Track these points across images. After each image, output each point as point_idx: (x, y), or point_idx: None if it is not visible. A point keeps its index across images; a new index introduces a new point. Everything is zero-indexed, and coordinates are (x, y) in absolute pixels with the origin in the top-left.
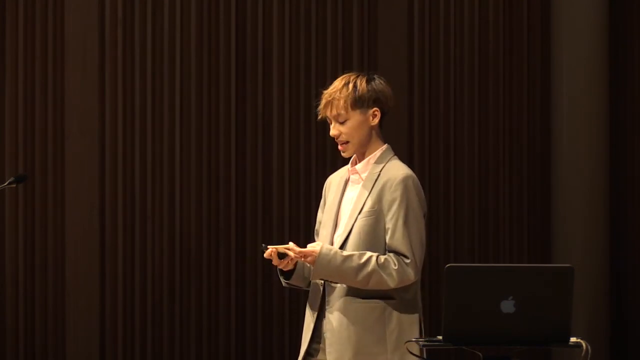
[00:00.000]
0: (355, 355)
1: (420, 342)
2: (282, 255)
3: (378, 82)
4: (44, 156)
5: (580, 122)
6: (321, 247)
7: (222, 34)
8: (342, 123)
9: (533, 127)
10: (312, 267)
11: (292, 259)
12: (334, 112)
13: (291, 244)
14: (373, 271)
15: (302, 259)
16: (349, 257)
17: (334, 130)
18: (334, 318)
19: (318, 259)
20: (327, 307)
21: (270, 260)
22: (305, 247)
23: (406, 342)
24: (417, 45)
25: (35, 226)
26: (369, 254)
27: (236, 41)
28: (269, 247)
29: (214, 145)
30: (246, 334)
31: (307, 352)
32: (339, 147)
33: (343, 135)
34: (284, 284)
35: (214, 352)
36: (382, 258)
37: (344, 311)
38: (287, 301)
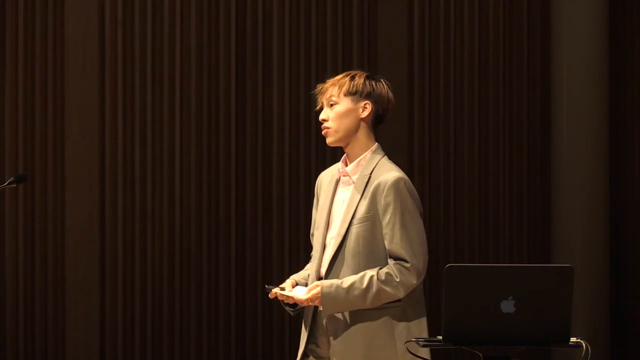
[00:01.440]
0: None
1: (420, 342)
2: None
3: (379, 85)
4: (44, 156)
5: (580, 122)
6: (321, 288)
7: (222, 34)
8: (331, 107)
9: (533, 127)
10: (320, 308)
11: None
12: (327, 95)
13: (290, 291)
14: (379, 290)
15: (310, 304)
16: (351, 285)
17: (323, 114)
18: (338, 326)
19: (323, 300)
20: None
21: (269, 263)
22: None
23: (406, 342)
24: (417, 45)
25: (35, 226)
26: (368, 274)
27: (236, 41)
28: (272, 289)
29: (213, 145)
30: (246, 334)
31: (303, 353)
32: (323, 132)
33: (329, 121)
34: (291, 314)
35: (214, 352)
36: (382, 274)
37: (349, 319)
38: None
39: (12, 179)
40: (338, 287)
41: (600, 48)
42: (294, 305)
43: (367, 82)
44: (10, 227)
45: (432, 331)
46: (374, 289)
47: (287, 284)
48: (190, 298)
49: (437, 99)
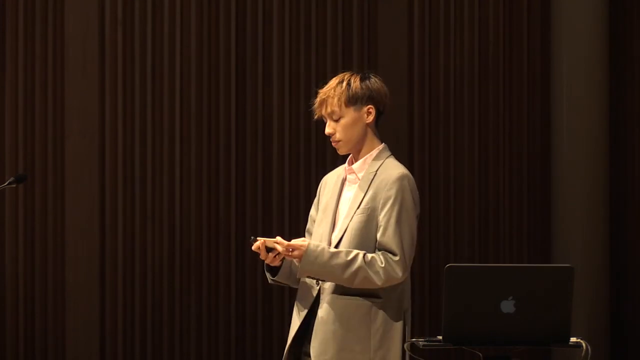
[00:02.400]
0: (339, 352)
1: (420, 343)
2: (269, 249)
3: (373, 81)
4: (44, 156)
5: (580, 122)
6: (309, 243)
7: (222, 34)
8: (336, 121)
9: (533, 127)
10: (298, 264)
11: (279, 253)
12: (329, 109)
13: (279, 238)
14: (359, 268)
15: (290, 254)
16: (336, 254)
17: (328, 128)
18: (322, 314)
19: (305, 255)
20: (319, 304)
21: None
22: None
23: (405, 343)
24: (417, 45)
25: (35, 226)
26: (356, 251)
27: (236, 41)
28: (257, 238)
29: (213, 145)
30: (246, 334)
31: (304, 352)
32: (333, 144)
33: (337, 134)
34: (269, 280)
35: (214, 352)
36: (369, 256)
37: (331, 307)
38: (287, 301)
39: (12, 179)
40: (324, 249)
41: (600, 48)
42: (275, 273)
43: (363, 85)
44: (10, 227)
45: (432, 331)
46: (357, 265)
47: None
48: (190, 298)
49: (437, 99)
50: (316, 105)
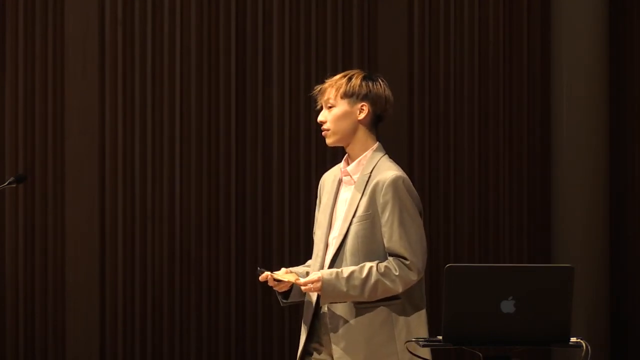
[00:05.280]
0: (367, 358)
1: (420, 342)
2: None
3: (377, 84)
4: (44, 156)
5: (580, 122)
6: (322, 276)
7: (222, 34)
8: (329, 109)
9: (533, 127)
10: (319, 294)
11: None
12: (325, 97)
13: (289, 276)
14: (377, 282)
15: (309, 289)
16: (350, 274)
17: (321, 116)
18: (339, 323)
19: (324, 288)
20: (328, 312)
21: (269, 262)
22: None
23: (406, 342)
24: (417, 45)
25: (35, 226)
26: (368, 265)
27: (236, 41)
28: (264, 271)
29: (214, 145)
30: (246, 334)
31: (306, 351)
32: (322, 133)
33: (327, 123)
34: (282, 304)
35: (214, 352)
36: (382, 266)
37: (349, 317)
38: None
39: (12, 179)
40: (338, 274)
41: (600, 48)
42: (287, 296)
43: (363, 84)
44: (10, 227)
45: (432, 331)
46: (373, 279)
47: (281, 271)
48: (190, 298)
49: (437, 99)
50: (317, 93)
